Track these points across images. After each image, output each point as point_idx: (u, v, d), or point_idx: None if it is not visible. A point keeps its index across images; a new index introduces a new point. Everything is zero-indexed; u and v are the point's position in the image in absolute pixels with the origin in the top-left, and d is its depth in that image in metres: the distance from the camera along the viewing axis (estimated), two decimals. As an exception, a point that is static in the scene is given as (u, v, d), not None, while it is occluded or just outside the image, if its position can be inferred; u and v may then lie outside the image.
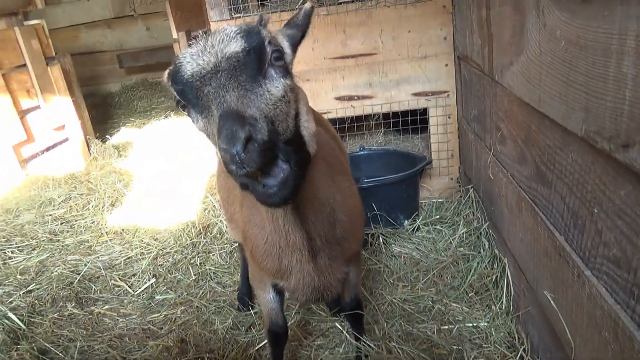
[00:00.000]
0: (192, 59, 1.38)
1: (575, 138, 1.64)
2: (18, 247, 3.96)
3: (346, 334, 2.42)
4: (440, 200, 3.79)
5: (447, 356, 2.25)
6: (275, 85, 1.39)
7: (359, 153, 3.86)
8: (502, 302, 2.58)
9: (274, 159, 1.29)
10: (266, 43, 1.40)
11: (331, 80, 3.79)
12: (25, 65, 5.25)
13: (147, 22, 9.07)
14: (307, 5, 1.66)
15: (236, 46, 1.36)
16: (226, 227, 3.78)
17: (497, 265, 2.78)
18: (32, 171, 5.13)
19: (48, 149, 5.48)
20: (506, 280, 2.61)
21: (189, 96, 1.38)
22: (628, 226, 1.36)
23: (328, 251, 1.84)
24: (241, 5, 3.69)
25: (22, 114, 5.14)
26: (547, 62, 1.80)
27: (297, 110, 1.47)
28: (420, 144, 4.26)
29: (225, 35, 1.39)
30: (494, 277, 2.76)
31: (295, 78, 1.52)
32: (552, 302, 1.86)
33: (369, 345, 2.24)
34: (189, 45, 1.44)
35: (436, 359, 2.21)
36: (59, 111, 5.60)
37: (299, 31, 1.62)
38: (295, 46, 1.60)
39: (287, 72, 1.44)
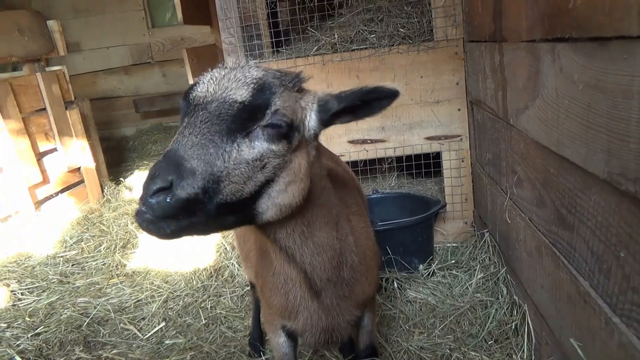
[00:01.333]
0: (204, 82, 1.40)
1: (597, 180, 1.62)
2: (28, 288, 3.93)
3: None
4: (455, 244, 3.74)
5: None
6: (252, 147, 1.32)
7: (372, 196, 3.84)
8: (524, 350, 2.49)
9: (187, 213, 1.21)
10: (270, 110, 1.34)
11: (345, 124, 3.82)
12: (44, 109, 5.38)
13: (163, 69, 9.34)
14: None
15: (239, 95, 1.33)
16: (238, 269, 3.74)
17: (517, 312, 2.70)
18: (46, 212, 5.15)
19: (62, 191, 5.53)
20: (527, 328, 2.52)
21: (181, 116, 1.39)
22: (659, 271, 1.32)
23: (333, 291, 1.80)
24: (257, 52, 3.80)
25: (39, 156, 5.22)
26: (564, 106, 1.81)
27: (273, 178, 1.37)
28: (433, 187, 4.24)
29: (243, 77, 1.39)
30: (513, 325, 2.67)
31: (306, 148, 1.47)
32: (579, 350, 1.78)
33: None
34: (222, 66, 1.45)
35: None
36: (75, 153, 5.68)
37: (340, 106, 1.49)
38: (327, 120, 1.50)
39: (280, 139, 1.36)
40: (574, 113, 1.73)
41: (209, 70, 1.46)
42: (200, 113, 1.32)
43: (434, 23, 3.58)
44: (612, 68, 1.42)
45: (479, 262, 3.27)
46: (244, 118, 1.32)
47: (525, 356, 2.47)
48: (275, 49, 4.12)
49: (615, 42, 1.39)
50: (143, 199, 1.18)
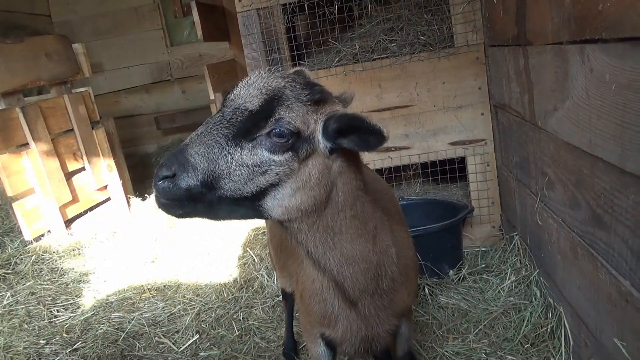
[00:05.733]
0: (241, 85, 1.53)
1: (634, 179, 1.62)
2: (63, 305, 4.02)
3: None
4: (484, 249, 3.72)
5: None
6: (253, 153, 1.42)
7: (400, 203, 3.85)
8: (561, 353, 2.47)
9: (191, 200, 1.38)
10: (273, 118, 1.42)
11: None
12: (72, 129, 5.52)
13: (182, 86, 9.48)
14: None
15: (251, 104, 1.45)
16: (267, 280, 3.77)
17: (552, 315, 2.68)
18: (76, 230, 5.27)
19: (91, 209, 5.65)
20: (563, 330, 2.50)
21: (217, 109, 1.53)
22: None
23: (371, 301, 1.81)
24: (278, 66, 3.86)
25: (68, 176, 5.35)
26: (596, 106, 1.81)
27: (278, 182, 1.45)
28: (458, 192, 4.23)
29: (263, 86, 1.48)
30: (549, 328, 2.65)
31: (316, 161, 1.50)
32: (623, 350, 1.77)
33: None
34: (261, 71, 1.55)
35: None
36: (102, 172, 5.81)
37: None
38: (330, 138, 1.48)
39: (285, 149, 1.42)
40: (607, 113, 1.73)
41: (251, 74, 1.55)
42: (218, 115, 1.47)
43: (454, 29, 3.61)
44: (647, 67, 1.43)
45: (510, 265, 3.26)
46: (249, 125, 1.43)
47: (563, 359, 2.45)
48: (296, 61, 4.18)
49: (649, 42, 1.40)
50: (153, 183, 1.38)
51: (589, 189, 2.02)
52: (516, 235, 3.35)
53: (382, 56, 3.73)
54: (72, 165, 5.42)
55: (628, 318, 1.77)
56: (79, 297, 4.06)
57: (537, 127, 2.61)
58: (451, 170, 3.88)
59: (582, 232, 2.16)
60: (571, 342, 2.46)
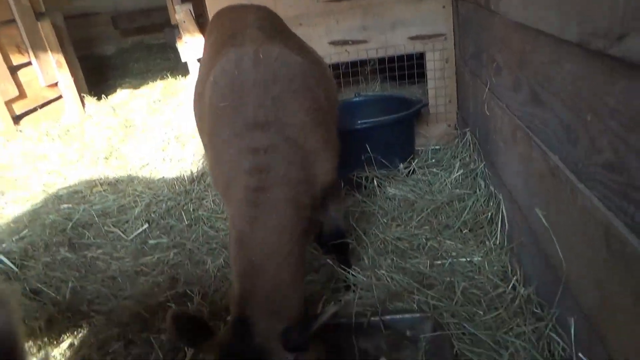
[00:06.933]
0: None
1: (570, 47, 1.57)
2: (12, 199, 3.95)
3: (337, 268, 2.40)
4: (437, 147, 3.73)
5: (438, 286, 2.23)
6: None
7: (354, 99, 3.78)
8: (497, 237, 2.55)
9: None
10: None
11: (325, 25, 3.68)
12: (14, 20, 5.14)
13: (141, -17, 8.87)
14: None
15: None
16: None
17: (493, 203, 2.74)
18: (25, 127, 5.07)
19: (42, 106, 5.41)
20: (501, 216, 2.57)
21: None
22: (621, 125, 1.30)
23: None
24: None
25: (13, 70, 5.05)
26: (542, -28, 1.72)
27: None
28: (417, 91, 4.17)
29: None
30: (489, 215, 2.72)
31: None
32: (543, 219, 1.82)
33: (356, 273, 2.23)
34: None
35: (426, 288, 2.18)
36: (51, 68, 5.51)
37: None
38: None
39: None
40: (550, -23, 1.64)
41: None
42: None
43: None
44: None
45: (460, 160, 3.28)
46: None
47: (498, 242, 2.54)
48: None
49: None
50: None
51: (529, 67, 1.98)
52: (468, 130, 3.35)
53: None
54: (16, 59, 5.11)
55: (553, 191, 1.80)
56: (28, 190, 3.98)
57: (491, 12, 2.51)
58: (409, 67, 3.79)
59: (522, 113, 2.15)
60: (506, 227, 2.53)
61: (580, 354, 1.63)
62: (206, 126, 2.00)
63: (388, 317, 1.91)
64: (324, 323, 1.40)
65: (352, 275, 2.32)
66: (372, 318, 1.91)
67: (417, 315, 1.91)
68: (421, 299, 2.11)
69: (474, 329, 1.96)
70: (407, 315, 1.92)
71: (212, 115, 1.93)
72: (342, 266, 2.37)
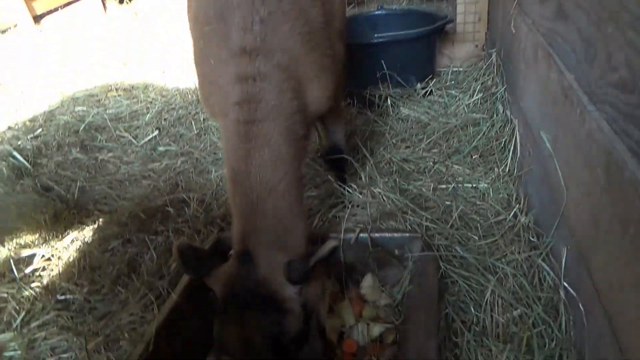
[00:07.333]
0: None
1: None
2: (29, 98, 3.99)
3: (335, 184, 2.36)
4: (460, 69, 3.52)
5: (435, 209, 2.17)
6: None
7: (376, 13, 3.55)
8: (507, 164, 2.44)
9: None
10: None
11: None
12: None
13: None
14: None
15: None
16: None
17: (508, 129, 2.60)
18: (46, 27, 5.03)
19: (63, 7, 5.32)
20: (514, 142, 2.44)
21: None
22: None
23: None
24: None
25: (33, -34, 4.92)
26: None
27: None
28: (446, 8, 3.89)
29: None
30: (502, 141, 2.59)
31: None
32: (547, 143, 1.71)
33: (352, 190, 2.20)
34: None
35: (422, 208, 2.13)
36: (73, -34, 5.35)
37: None
38: None
39: None
40: None
41: None
42: None
43: None
44: None
45: (481, 82, 3.10)
46: None
47: (507, 169, 2.43)
48: None
49: None
50: None
51: (559, -26, 1.77)
52: (494, 51, 3.12)
53: None
54: (36, -45, 4.96)
55: (563, 114, 1.67)
56: (44, 91, 4.00)
57: None
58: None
59: (546, 29, 1.96)
60: (518, 154, 2.41)
61: (566, 284, 1.58)
62: (193, 48, 1.88)
63: (377, 234, 1.87)
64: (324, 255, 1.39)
65: (348, 192, 2.28)
66: (361, 234, 1.88)
67: (407, 235, 1.86)
68: (415, 220, 2.06)
69: (467, 253, 1.92)
70: (396, 235, 1.87)
71: (196, 38, 1.81)
72: (339, 183, 2.32)
